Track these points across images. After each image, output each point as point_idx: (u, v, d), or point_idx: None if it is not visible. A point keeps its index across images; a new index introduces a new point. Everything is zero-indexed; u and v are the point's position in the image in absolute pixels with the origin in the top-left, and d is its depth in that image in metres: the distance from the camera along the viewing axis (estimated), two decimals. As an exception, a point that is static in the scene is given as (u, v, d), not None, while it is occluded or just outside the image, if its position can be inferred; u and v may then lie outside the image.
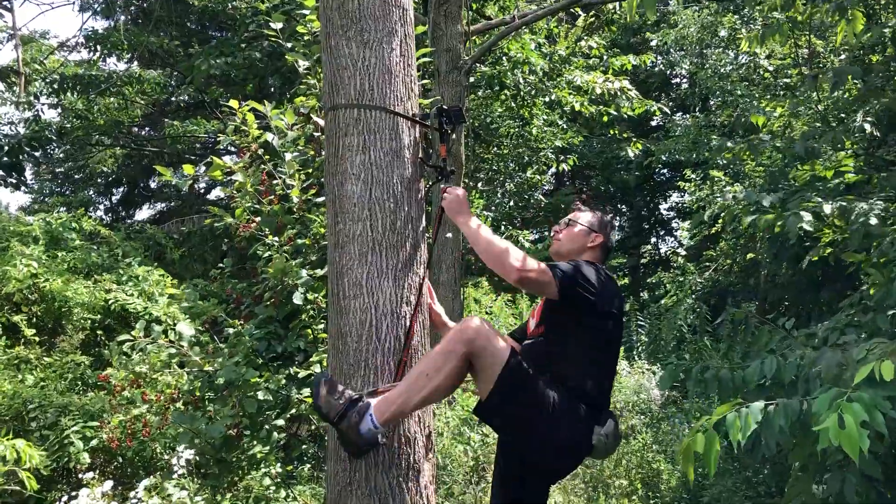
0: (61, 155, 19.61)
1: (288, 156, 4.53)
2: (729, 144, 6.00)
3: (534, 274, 2.86)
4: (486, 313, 10.84)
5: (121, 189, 21.54)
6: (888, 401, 2.33)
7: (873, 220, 3.82)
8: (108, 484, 4.00)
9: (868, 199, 4.13)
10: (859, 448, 2.06)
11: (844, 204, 4.01)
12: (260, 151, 4.59)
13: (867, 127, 5.18)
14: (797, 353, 3.00)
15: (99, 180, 20.33)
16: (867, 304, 3.80)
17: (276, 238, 4.51)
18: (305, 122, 4.62)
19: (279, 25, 4.73)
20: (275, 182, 4.58)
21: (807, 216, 4.03)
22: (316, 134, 4.64)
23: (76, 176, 20.28)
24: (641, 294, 21.14)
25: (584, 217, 3.42)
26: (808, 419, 2.53)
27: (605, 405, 3.09)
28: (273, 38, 4.80)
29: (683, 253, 19.48)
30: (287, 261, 4.41)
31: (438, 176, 3.26)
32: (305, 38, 4.72)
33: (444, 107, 3.24)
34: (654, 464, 7.90)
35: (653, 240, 24.77)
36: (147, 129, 19.73)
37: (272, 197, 4.51)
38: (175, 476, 3.98)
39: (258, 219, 4.47)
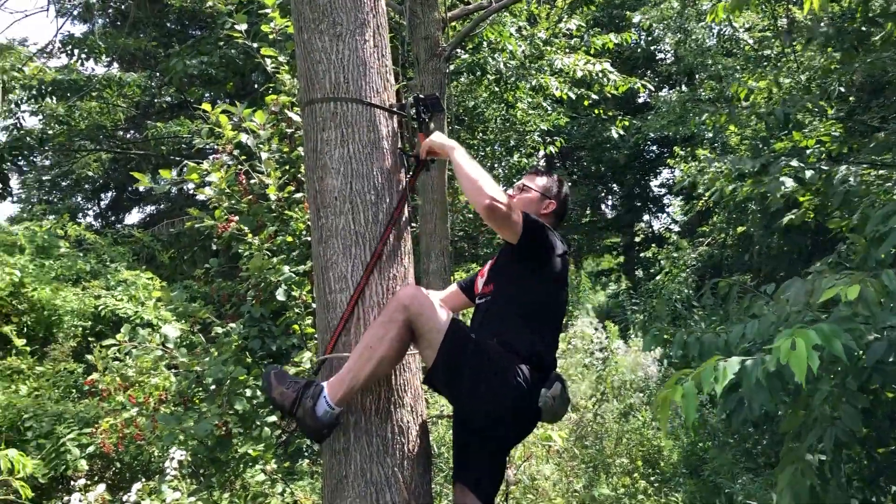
0: (47, 162, 19.53)
1: (264, 155, 4.52)
2: (707, 113, 5.99)
3: (503, 207, 2.84)
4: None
5: (109, 194, 21.48)
6: (848, 332, 2.35)
7: (853, 182, 3.83)
8: (101, 487, 4.01)
9: (849, 164, 4.15)
10: (808, 368, 2.06)
11: (826, 168, 4.02)
12: (235, 152, 4.58)
13: (842, 90, 5.18)
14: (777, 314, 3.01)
15: (87, 186, 20.25)
16: (845, 264, 3.83)
17: (256, 237, 4.51)
18: (278, 120, 4.60)
19: (244, 26, 4.71)
20: (252, 181, 4.57)
21: (788, 181, 4.04)
22: (289, 130, 4.62)
23: (63, 183, 20.18)
24: (636, 272, 21.24)
25: (539, 181, 3.42)
26: (792, 381, 2.55)
27: (551, 367, 3.08)
28: (240, 40, 4.77)
29: (677, 229, 19.52)
30: (268, 258, 4.41)
31: (418, 165, 3.25)
32: (271, 36, 4.70)
33: (421, 96, 3.23)
34: (654, 441, 7.95)
35: (645, 217, 24.81)
36: (132, 132, 19.64)
37: (251, 196, 4.51)
38: (168, 477, 3.99)
39: (236, 218, 4.46)
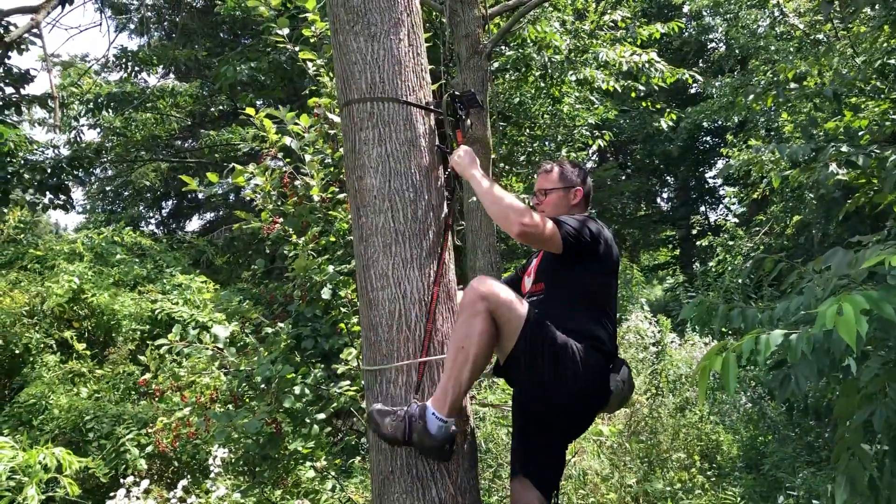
0: (109, 173, 20.17)
1: (307, 157, 4.59)
2: (754, 94, 5.82)
3: (537, 229, 2.87)
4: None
5: (170, 202, 22.07)
6: None
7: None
8: (145, 483, 4.12)
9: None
10: (856, 333, 1.98)
11: (878, 152, 3.88)
12: (280, 155, 4.67)
13: (892, 62, 4.99)
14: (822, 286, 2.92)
15: (147, 195, 20.84)
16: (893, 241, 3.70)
17: (301, 237, 4.59)
18: (321, 122, 4.67)
19: (286, 31, 4.79)
20: (297, 183, 4.64)
21: (835, 168, 3.91)
22: (332, 132, 4.68)
23: (125, 193, 20.81)
24: (693, 265, 20.85)
25: (553, 177, 3.38)
26: (840, 354, 2.47)
27: (615, 352, 3.10)
28: (282, 44, 4.85)
29: (734, 220, 19.12)
30: (313, 258, 4.47)
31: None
32: (312, 39, 4.77)
33: (457, 93, 3.24)
34: (712, 435, 7.81)
35: (702, 209, 24.36)
36: (190, 140, 20.14)
37: (296, 198, 4.58)
38: (213, 475, 4.08)
39: (280, 220, 4.54)
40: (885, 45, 6.44)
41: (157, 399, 4.81)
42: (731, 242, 12.12)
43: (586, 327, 3.01)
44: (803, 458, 6.93)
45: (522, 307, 2.84)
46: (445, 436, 2.74)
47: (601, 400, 3.04)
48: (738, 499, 6.30)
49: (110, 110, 11.63)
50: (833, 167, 3.88)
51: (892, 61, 5.38)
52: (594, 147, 13.71)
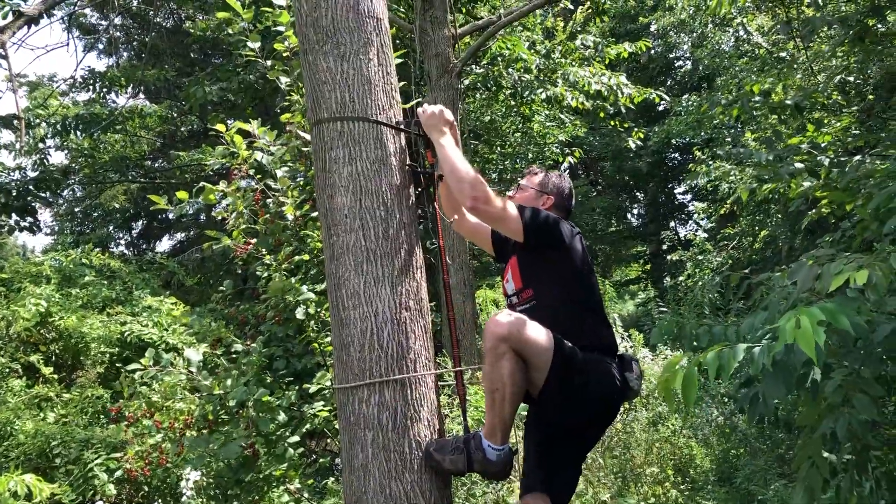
0: (79, 194, 19.94)
1: (279, 173, 4.57)
2: (720, 105, 5.95)
3: (488, 205, 2.90)
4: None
5: (140, 223, 21.85)
6: (855, 310, 2.32)
7: (867, 168, 3.77)
8: None
9: (864, 154, 4.12)
10: (815, 344, 2.03)
11: (843, 160, 3.97)
12: (251, 171, 4.64)
13: (859, 83, 5.13)
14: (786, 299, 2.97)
15: (117, 216, 20.61)
16: (850, 243, 3.78)
17: (274, 256, 4.55)
18: (293, 139, 4.65)
19: (257, 45, 4.77)
20: (269, 200, 4.61)
21: (801, 167, 3.99)
22: (304, 149, 4.66)
23: (94, 214, 20.58)
24: (664, 280, 21.07)
25: (535, 179, 3.45)
26: (802, 367, 2.52)
27: (617, 347, 3.15)
28: (253, 58, 4.84)
29: (704, 235, 19.36)
30: (286, 279, 4.45)
31: (427, 182, 3.27)
32: (285, 54, 4.75)
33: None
34: (685, 449, 7.86)
35: (672, 224, 24.65)
36: (161, 161, 19.99)
37: (268, 216, 4.55)
38: (185, 498, 4.02)
39: (254, 240, 4.51)
40: (843, 62, 6.61)
41: (127, 425, 4.73)
42: (700, 257, 12.28)
43: (595, 338, 3.05)
44: (775, 471, 7.00)
45: (546, 338, 2.84)
46: (504, 459, 2.87)
47: (620, 403, 3.12)
48: (712, 512, 6.34)
49: (78, 132, 11.51)
50: (797, 166, 3.95)
51: (851, 78, 5.52)
52: (565, 164, 13.82)
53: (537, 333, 2.83)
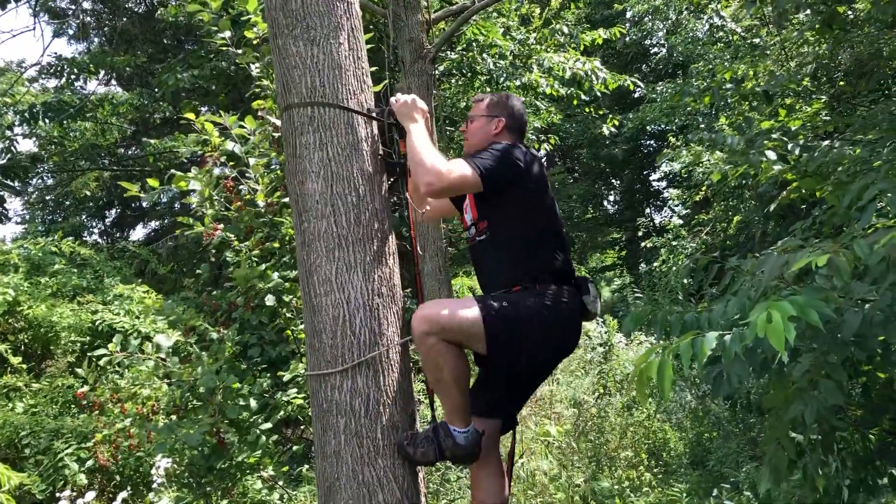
0: (50, 182, 19.64)
1: (252, 160, 4.53)
2: (692, 94, 5.98)
3: (442, 183, 2.85)
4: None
5: (113, 211, 21.58)
6: (826, 302, 2.36)
7: (836, 153, 3.82)
8: (90, 495, 4.02)
9: (834, 139, 4.17)
10: (785, 340, 2.07)
11: (811, 145, 4.02)
12: (223, 159, 4.60)
13: (831, 66, 5.17)
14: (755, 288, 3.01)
15: (90, 204, 20.34)
16: (820, 229, 3.84)
17: (245, 243, 4.52)
18: (265, 125, 4.61)
19: (227, 33, 4.72)
20: (240, 187, 4.58)
21: (772, 154, 4.02)
22: (276, 135, 4.63)
23: (66, 202, 20.29)
24: (639, 266, 21.23)
25: (481, 105, 3.37)
26: (770, 354, 2.57)
27: (573, 271, 3.14)
28: (224, 46, 4.79)
29: (679, 222, 19.52)
30: (256, 265, 4.42)
31: (400, 170, 3.26)
32: (255, 41, 4.71)
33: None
34: (659, 433, 7.95)
35: (647, 211, 24.81)
36: (134, 148, 19.73)
37: (240, 203, 4.52)
38: (155, 485, 4.00)
39: (221, 225, 4.47)
40: (815, 48, 6.67)
41: (97, 412, 4.68)
42: (674, 243, 12.37)
43: (549, 264, 3.04)
44: (747, 453, 7.10)
45: (472, 311, 2.85)
46: (472, 441, 2.93)
47: (578, 330, 3.13)
48: (684, 495, 6.43)
49: (47, 120, 11.31)
50: (768, 155, 3.98)
51: (824, 62, 5.57)
52: (541, 151, 13.83)
53: (459, 310, 2.85)
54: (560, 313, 2.99)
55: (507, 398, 3.24)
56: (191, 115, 4.58)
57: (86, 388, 4.37)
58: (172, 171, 4.42)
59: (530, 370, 3.14)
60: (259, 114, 4.64)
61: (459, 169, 2.91)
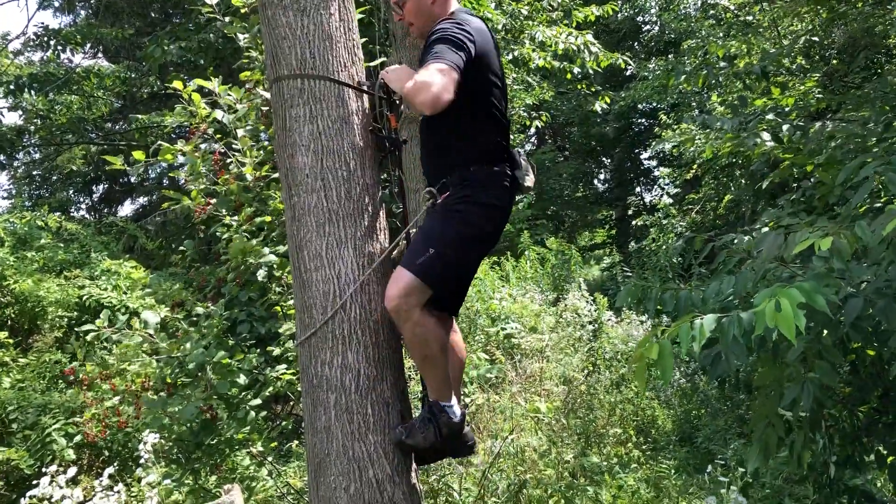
0: (37, 156, 19.43)
1: (240, 132, 4.47)
2: (685, 73, 5.93)
3: (446, 94, 2.57)
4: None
5: (101, 186, 21.38)
6: (829, 287, 2.36)
7: (829, 131, 3.81)
8: (72, 471, 4.00)
9: (827, 120, 4.16)
10: (795, 328, 2.06)
11: (803, 125, 4.00)
12: (210, 131, 4.53)
13: (824, 44, 5.15)
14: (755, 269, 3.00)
15: (77, 179, 20.13)
16: (809, 203, 3.84)
17: (235, 218, 4.48)
18: (254, 97, 4.54)
19: (214, 1, 4.64)
20: (228, 160, 4.52)
21: (765, 136, 4.01)
22: (264, 108, 4.56)
23: (53, 177, 20.09)
24: (629, 244, 21.27)
25: None
26: (768, 338, 2.57)
27: (508, 148, 3.08)
28: (211, 14, 4.71)
29: (669, 200, 19.54)
30: (248, 240, 4.38)
31: (391, 146, 3.22)
32: (243, 10, 4.63)
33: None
34: (647, 410, 8.00)
35: (637, 189, 24.82)
36: (121, 123, 19.51)
37: (227, 176, 4.46)
38: (143, 461, 3.99)
39: (213, 200, 4.42)
40: (808, 25, 6.63)
41: (85, 388, 4.65)
42: (664, 222, 12.38)
43: (478, 142, 2.94)
44: (735, 430, 7.16)
45: (420, 259, 2.80)
46: (462, 415, 3.00)
47: (510, 206, 3.11)
48: (672, 471, 6.48)
49: (32, 92, 11.13)
50: (762, 136, 3.97)
51: (816, 39, 5.55)
52: (532, 128, 13.77)
53: (411, 268, 2.80)
54: (496, 201, 2.96)
55: (459, 293, 3.24)
56: (178, 84, 4.50)
57: (74, 364, 4.32)
58: (160, 143, 4.35)
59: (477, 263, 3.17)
60: (247, 86, 4.57)
61: (441, 71, 2.62)
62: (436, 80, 2.56)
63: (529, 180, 3.07)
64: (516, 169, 3.04)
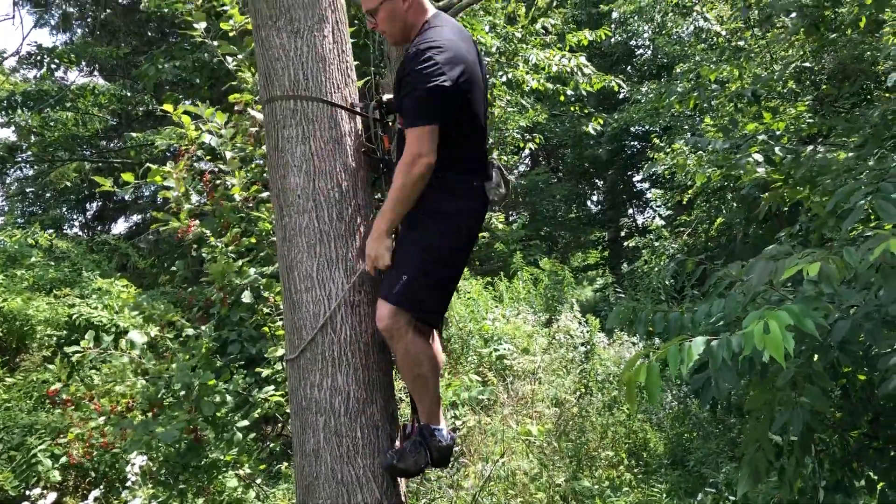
0: (30, 173, 19.39)
1: (228, 154, 4.47)
2: (679, 89, 5.99)
3: (432, 156, 2.73)
4: (466, 298, 10.82)
5: (94, 204, 21.32)
6: (818, 310, 2.37)
7: (820, 157, 3.84)
8: (52, 496, 3.95)
9: (818, 145, 4.19)
10: (784, 350, 2.06)
11: (795, 149, 4.03)
12: (200, 152, 4.54)
13: (814, 69, 5.22)
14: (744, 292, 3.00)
15: (71, 197, 20.09)
16: (806, 237, 3.86)
17: (221, 239, 4.47)
18: (241, 119, 4.56)
19: (203, 24, 4.66)
20: (217, 182, 4.52)
21: (758, 157, 4.04)
22: (253, 129, 4.58)
23: (46, 194, 20.04)
24: (622, 266, 21.31)
25: None
26: (757, 360, 2.57)
27: (485, 158, 3.06)
28: (200, 38, 4.73)
29: (661, 222, 19.60)
30: (232, 261, 4.37)
31: (384, 168, 3.22)
32: (230, 33, 4.66)
33: (383, 98, 3.20)
34: (639, 433, 7.97)
35: (630, 211, 24.92)
36: (116, 141, 19.51)
37: (215, 197, 4.46)
38: (130, 482, 3.94)
39: (196, 221, 4.42)
40: (799, 51, 6.70)
41: (71, 408, 4.60)
42: (656, 243, 12.41)
43: (453, 152, 2.87)
44: (726, 454, 7.14)
45: (384, 308, 2.82)
46: (451, 438, 3.01)
47: (482, 219, 3.12)
48: (664, 495, 6.44)
49: (26, 109, 11.13)
50: (754, 157, 3.99)
51: (807, 64, 5.61)
52: (526, 150, 13.82)
53: (397, 285, 2.81)
54: (468, 208, 2.96)
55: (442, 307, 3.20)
56: (168, 107, 4.51)
57: (58, 385, 4.28)
58: (148, 164, 4.35)
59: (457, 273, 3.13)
60: (236, 108, 4.59)
61: (420, 133, 2.72)
62: (421, 149, 2.72)
63: (499, 193, 3.06)
64: (486, 181, 3.02)
